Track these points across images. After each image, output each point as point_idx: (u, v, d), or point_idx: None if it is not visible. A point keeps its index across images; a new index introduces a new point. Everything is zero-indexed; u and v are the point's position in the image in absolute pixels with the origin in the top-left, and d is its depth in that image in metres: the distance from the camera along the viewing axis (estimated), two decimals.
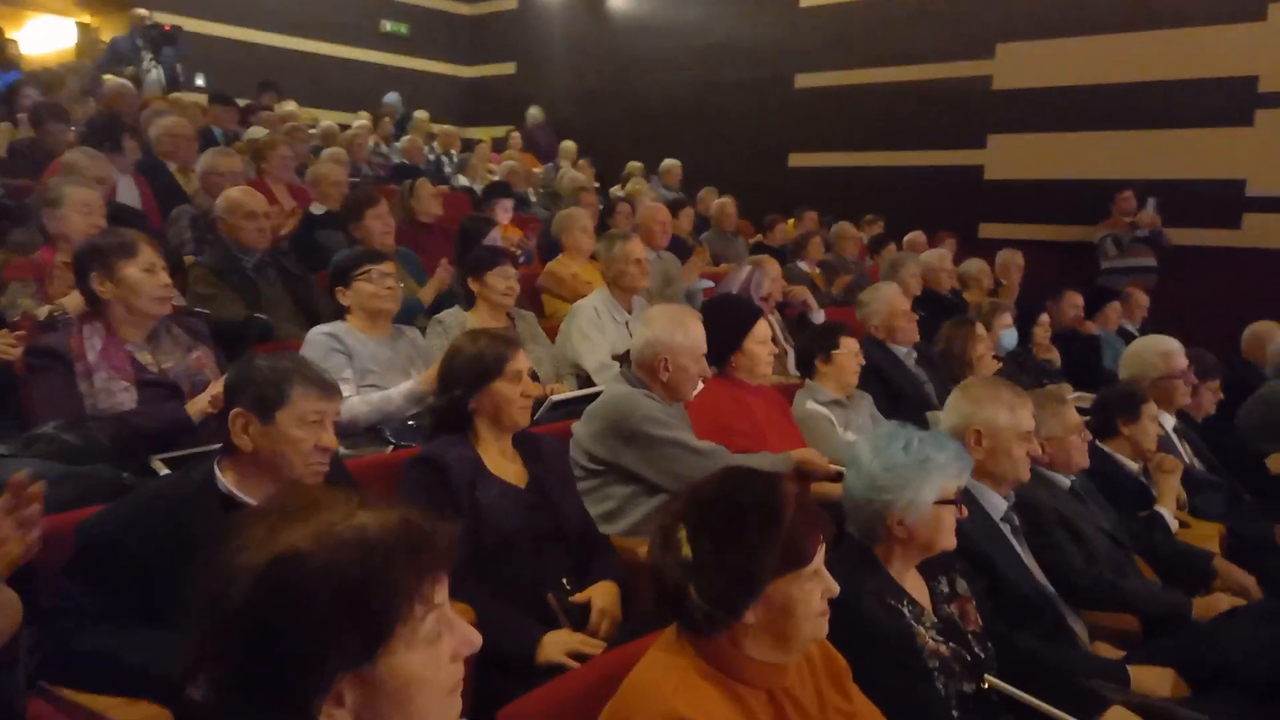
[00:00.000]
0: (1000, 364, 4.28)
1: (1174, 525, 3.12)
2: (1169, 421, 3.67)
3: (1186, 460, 3.63)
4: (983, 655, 1.98)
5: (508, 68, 11.75)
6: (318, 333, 2.95)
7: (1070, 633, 2.33)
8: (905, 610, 1.91)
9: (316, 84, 10.28)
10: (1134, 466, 3.26)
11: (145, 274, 2.52)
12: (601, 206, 6.23)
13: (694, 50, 9.81)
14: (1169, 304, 6.72)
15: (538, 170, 8.63)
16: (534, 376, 2.66)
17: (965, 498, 2.38)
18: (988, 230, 8.04)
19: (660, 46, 10.12)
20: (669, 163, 8.72)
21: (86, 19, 10.02)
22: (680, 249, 5.43)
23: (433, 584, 0.97)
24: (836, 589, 1.48)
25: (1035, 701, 1.82)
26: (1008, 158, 8.04)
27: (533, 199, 7.50)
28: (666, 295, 4.54)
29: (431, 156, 8.37)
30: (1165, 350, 3.64)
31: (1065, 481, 2.80)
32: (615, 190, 7.92)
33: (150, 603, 1.68)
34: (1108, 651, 2.34)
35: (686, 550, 1.43)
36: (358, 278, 3.01)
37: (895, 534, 1.92)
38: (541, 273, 4.60)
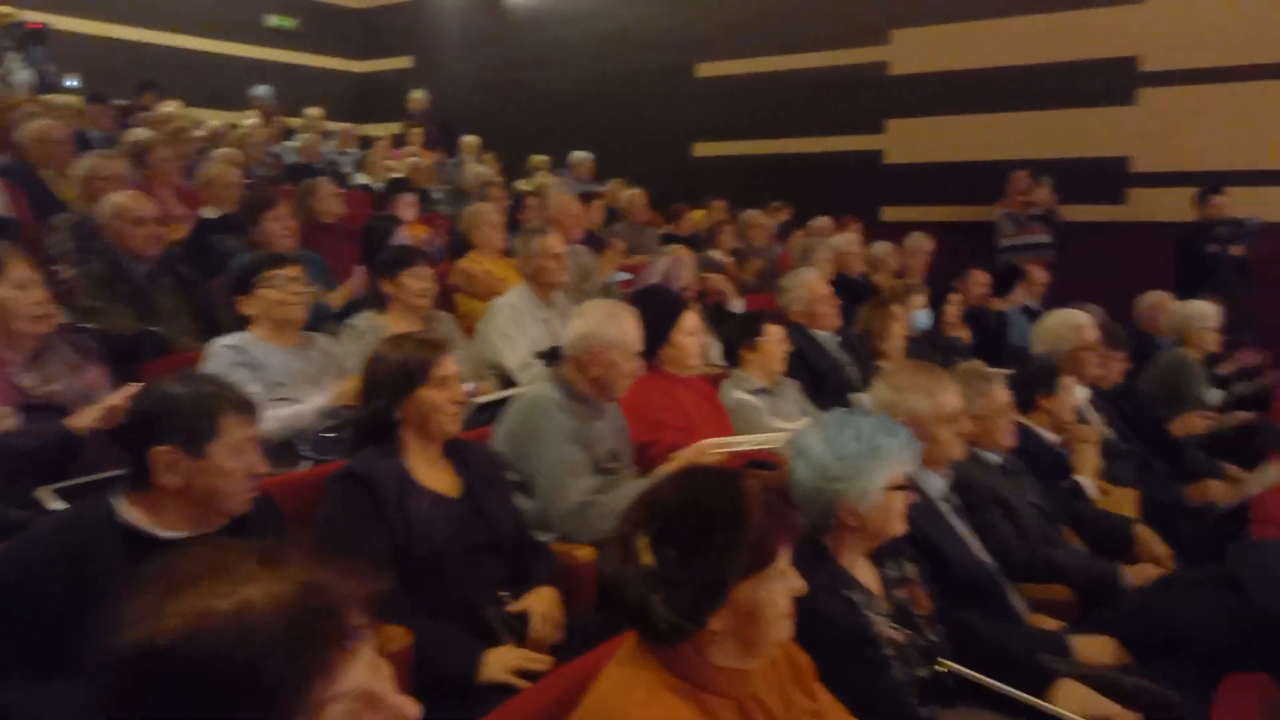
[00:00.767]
0: (909, 343, 4.35)
1: (1094, 494, 3.21)
2: (1083, 393, 3.77)
3: (1101, 430, 3.74)
4: (935, 639, 1.97)
5: (403, 61, 11.43)
6: (220, 345, 2.76)
7: (1013, 608, 2.36)
8: (859, 600, 1.88)
9: (199, 83, 9.78)
10: (1054, 439, 3.33)
11: (17, 291, 2.31)
12: (510, 201, 6.08)
13: (595, 39, 9.71)
14: (1064, 278, 6.97)
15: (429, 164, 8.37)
16: None
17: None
18: (890, 213, 8.20)
19: (560, 36, 9.99)
20: (580, 155, 8.61)
21: None
22: (593, 242, 5.35)
23: (343, 663, 0.82)
24: (803, 587, 1.43)
25: (990, 682, 1.82)
26: (906, 142, 8.21)
27: (436, 196, 7.30)
28: (584, 290, 4.46)
29: (330, 155, 8.06)
30: (1077, 323, 3.74)
31: (995, 459, 2.84)
32: (521, 184, 7.77)
33: (53, 651, 1.52)
34: (1046, 624, 2.37)
35: (648, 559, 1.35)
36: (262, 284, 2.83)
37: (847, 523, 1.89)
38: (452, 271, 4.45)
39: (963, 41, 7.82)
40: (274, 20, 10.84)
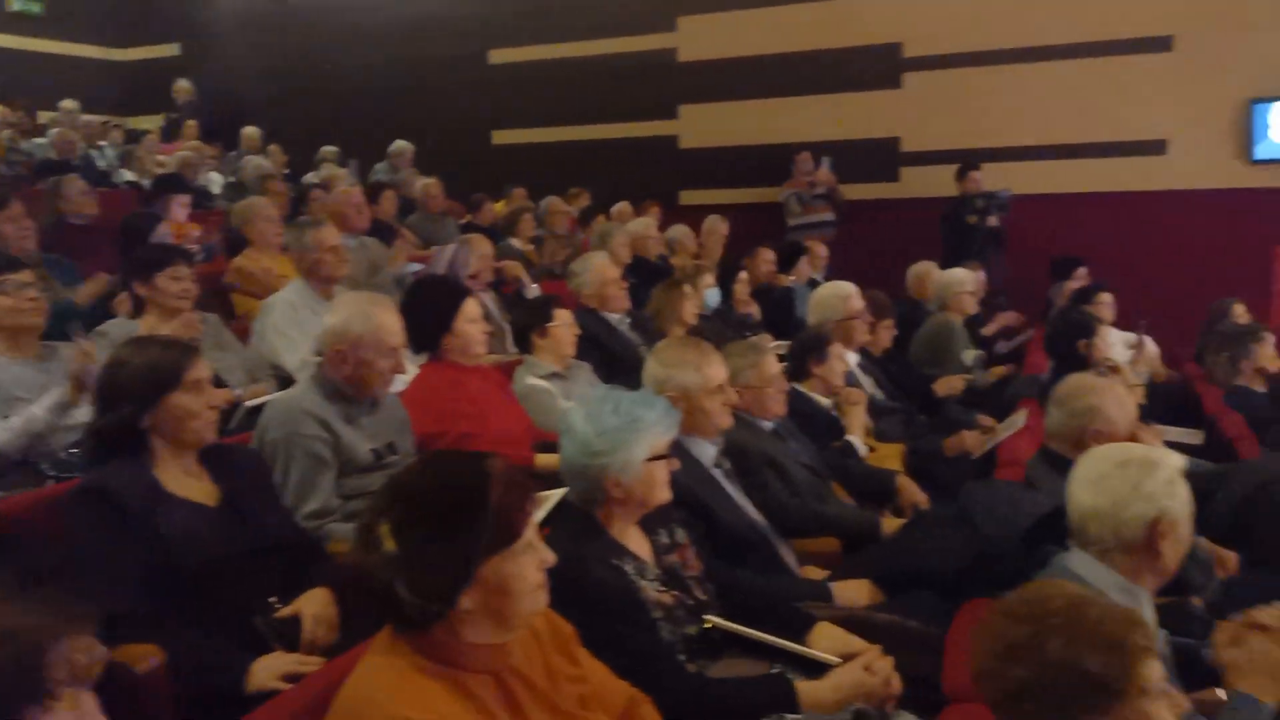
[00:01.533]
0: (702, 321, 4.52)
1: (863, 450, 3.46)
2: (853, 358, 4.05)
3: (870, 391, 4.03)
4: (705, 597, 2.07)
5: (171, 49, 10.63)
6: None
7: (783, 562, 2.50)
8: (629, 568, 1.95)
9: None
10: (826, 402, 3.56)
11: None
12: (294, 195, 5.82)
13: (386, 26, 9.40)
14: (848, 253, 7.43)
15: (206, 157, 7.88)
16: (219, 383, 2.41)
17: (678, 450, 2.48)
18: (687, 197, 8.44)
19: (350, 23, 9.59)
20: (401, 145, 8.35)
21: None
22: (385, 234, 5.21)
23: (38, 716, 0.76)
24: (552, 558, 1.46)
25: (750, 632, 1.94)
26: (699, 127, 8.47)
27: (215, 191, 6.88)
28: (374, 283, 4.34)
29: (86, 151, 7.40)
30: (844, 294, 4.00)
31: (767, 425, 3.00)
32: (309, 177, 7.45)
33: None
34: (815, 573, 2.54)
35: (390, 545, 1.35)
36: None
37: (613, 495, 1.95)
38: (228, 270, 4.21)
39: (745, 29, 8.14)
40: (16, 4, 9.81)
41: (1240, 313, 5.90)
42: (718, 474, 2.53)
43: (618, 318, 4.10)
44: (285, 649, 1.92)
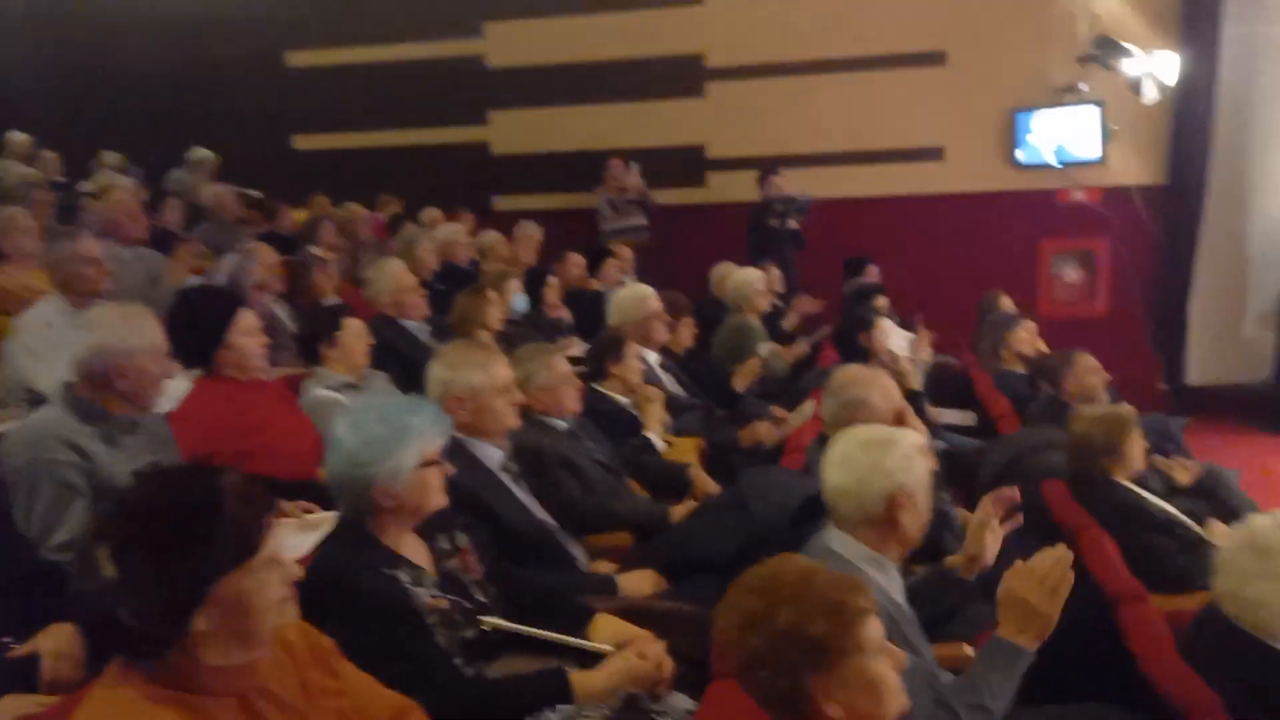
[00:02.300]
0: (510, 326, 4.53)
1: (661, 446, 3.56)
2: (653, 357, 4.16)
3: (671, 389, 4.15)
4: (486, 600, 2.07)
5: None
6: None
7: (572, 559, 2.55)
8: (404, 576, 1.93)
9: None
10: (625, 401, 3.64)
11: None
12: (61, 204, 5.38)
13: (174, 23, 8.81)
14: (660, 256, 7.62)
15: None
16: None
17: (462, 454, 2.48)
18: (501, 203, 8.41)
19: (136, 21, 8.92)
20: (202, 153, 7.83)
21: None
22: (167, 244, 4.90)
23: None
24: (297, 572, 1.43)
25: (526, 629, 1.96)
26: (510, 133, 8.44)
27: None
28: (153, 296, 4.07)
29: None
30: (641, 296, 4.11)
31: (562, 424, 3.04)
32: (83, 185, 6.90)
33: None
34: (607, 568, 2.60)
35: (110, 570, 1.27)
36: None
37: (383, 504, 1.93)
38: None
39: (553, 36, 8.19)
40: None
41: (1007, 304, 6.47)
42: (505, 477, 2.54)
43: (417, 325, 4.04)
44: (23, 690, 1.78)
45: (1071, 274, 7.88)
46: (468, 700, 1.82)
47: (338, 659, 1.61)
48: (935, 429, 4.56)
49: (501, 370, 2.59)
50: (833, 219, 7.60)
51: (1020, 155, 7.55)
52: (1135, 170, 7.47)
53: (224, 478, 1.37)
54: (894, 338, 5.55)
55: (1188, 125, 7.13)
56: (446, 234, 5.95)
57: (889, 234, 7.73)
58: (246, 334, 2.83)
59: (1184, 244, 7.30)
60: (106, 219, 4.23)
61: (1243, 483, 4.70)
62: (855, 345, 4.25)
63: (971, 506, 3.64)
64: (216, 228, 6.18)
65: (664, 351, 4.33)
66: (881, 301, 5.31)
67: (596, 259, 6.08)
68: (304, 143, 8.80)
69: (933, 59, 7.71)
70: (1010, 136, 7.61)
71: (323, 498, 2.32)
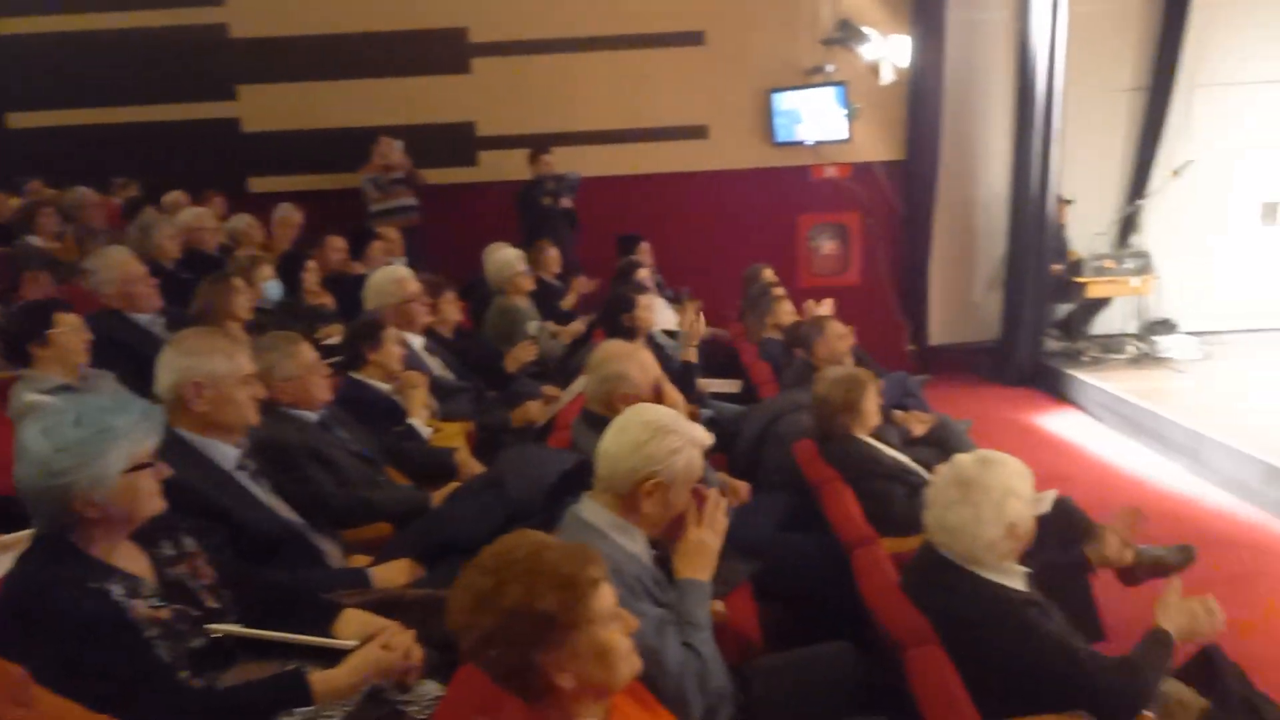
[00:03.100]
0: (264, 315, 4.27)
1: (426, 432, 3.47)
2: (417, 341, 4.05)
3: (436, 372, 4.06)
4: (218, 605, 1.94)
5: None
6: None
7: (321, 555, 2.44)
8: (116, 589, 1.76)
9: None
10: (386, 388, 3.52)
11: None
12: None
13: None
14: (433, 236, 7.44)
15: None
16: None
17: (190, 454, 2.31)
18: (258, 184, 7.88)
19: None
20: None
21: None
22: None
23: None
24: None
25: (261, 633, 1.86)
26: (262, 109, 7.90)
27: None
28: None
29: None
30: (397, 278, 3.98)
31: (312, 416, 2.89)
32: None
33: None
34: (361, 561, 2.50)
35: None
36: None
37: (88, 515, 1.75)
38: None
39: (303, 6, 7.73)
40: None
41: (769, 275, 6.83)
42: (241, 476, 2.38)
43: (149, 318, 3.71)
44: None
45: (827, 246, 8.42)
46: (192, 714, 1.70)
47: (29, 688, 1.45)
48: (702, 398, 4.76)
49: (243, 360, 2.44)
50: (607, 197, 7.70)
51: (777, 134, 7.94)
52: (879, 148, 8.08)
53: None
54: (661, 313, 5.73)
55: (921, 105, 7.77)
56: (190, 218, 5.49)
57: (661, 211, 7.94)
58: None
59: (923, 216, 7.98)
60: None
61: (973, 431, 5.25)
62: (619, 324, 4.34)
63: (733, 469, 3.85)
64: None
65: (429, 334, 4.23)
66: (643, 273, 5.43)
67: (360, 242, 5.83)
68: (19, 120, 7.84)
69: (693, 39, 7.95)
70: (767, 116, 7.99)
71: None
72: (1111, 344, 7.51)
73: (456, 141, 8.06)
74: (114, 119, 7.82)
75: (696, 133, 8.10)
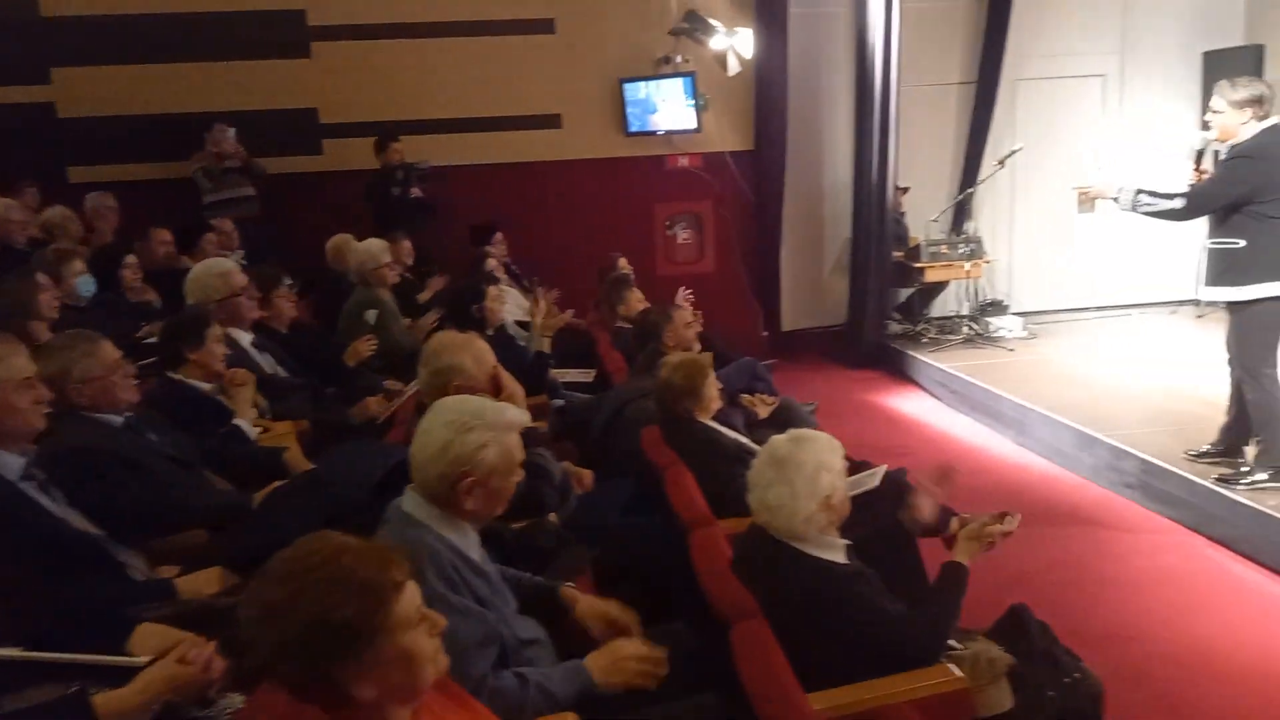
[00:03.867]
0: (78, 313, 3.97)
1: (253, 433, 3.30)
2: (245, 337, 3.84)
3: (269, 370, 3.87)
4: None
5: None
6: None
7: (121, 568, 2.27)
8: None
9: None
10: (208, 387, 3.32)
11: None
12: None
13: None
14: (279, 228, 7.11)
15: None
16: None
17: None
18: (77, 174, 7.31)
19: None
20: None
21: None
22: None
23: None
24: None
25: (41, 655, 1.71)
26: (80, 93, 7.34)
27: None
28: None
29: None
30: (222, 271, 3.76)
31: (116, 419, 2.69)
32: None
33: None
34: (169, 572, 2.35)
35: None
36: None
37: None
38: None
39: None
40: None
41: (624, 265, 6.87)
42: (27, 487, 2.19)
43: None
44: None
45: (683, 235, 8.52)
46: None
47: None
48: (555, 388, 4.72)
49: (21, 362, 2.24)
50: (464, 187, 7.55)
51: (630, 123, 7.96)
52: (729, 138, 8.22)
53: None
54: (515, 304, 5.66)
55: (767, 96, 7.95)
56: None
57: (518, 200, 7.85)
58: None
59: (773, 205, 8.18)
60: None
61: (820, 411, 5.42)
62: (469, 315, 4.25)
63: (585, 457, 3.84)
64: None
65: (260, 329, 4.02)
66: (492, 263, 5.35)
67: (191, 235, 5.50)
68: None
69: (543, 26, 7.87)
70: (620, 105, 8.00)
71: None
72: (948, 325, 7.92)
73: (299, 129, 7.71)
74: None
75: (550, 122, 8.03)
